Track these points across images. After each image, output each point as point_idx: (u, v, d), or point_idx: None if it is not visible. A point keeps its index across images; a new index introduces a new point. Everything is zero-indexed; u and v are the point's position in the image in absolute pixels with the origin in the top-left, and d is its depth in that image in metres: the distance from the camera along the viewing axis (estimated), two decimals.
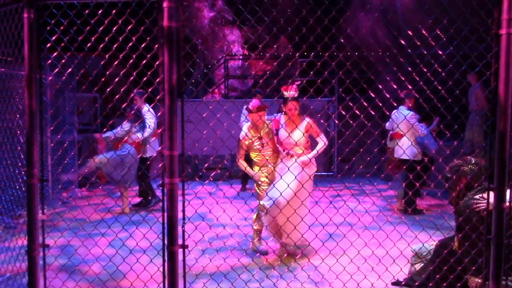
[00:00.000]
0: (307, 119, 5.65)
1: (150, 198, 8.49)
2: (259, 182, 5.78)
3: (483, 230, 2.99)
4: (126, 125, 7.87)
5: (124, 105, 8.00)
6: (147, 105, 8.36)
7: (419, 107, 8.14)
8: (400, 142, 7.61)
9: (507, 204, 2.72)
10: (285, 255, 5.49)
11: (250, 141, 5.80)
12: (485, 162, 3.74)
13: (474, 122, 10.49)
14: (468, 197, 3.76)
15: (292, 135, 5.66)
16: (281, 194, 4.63)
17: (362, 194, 8.19)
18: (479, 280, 3.48)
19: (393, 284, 4.50)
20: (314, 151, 5.65)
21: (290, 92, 5.68)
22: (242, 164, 5.86)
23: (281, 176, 5.24)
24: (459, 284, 3.48)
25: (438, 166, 7.60)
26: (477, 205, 3.53)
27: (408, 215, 7.52)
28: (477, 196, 3.61)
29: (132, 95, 8.06)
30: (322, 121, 12.66)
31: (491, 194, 2.77)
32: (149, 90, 3.22)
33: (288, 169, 4.92)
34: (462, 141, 10.42)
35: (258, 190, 5.81)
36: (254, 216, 5.97)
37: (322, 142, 5.67)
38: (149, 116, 8.16)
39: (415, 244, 4.47)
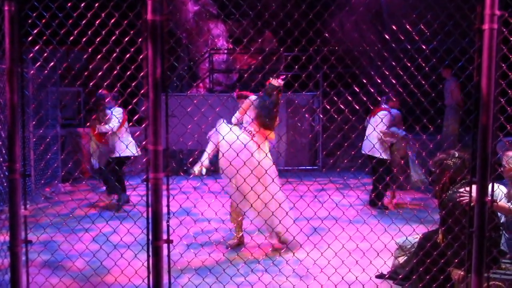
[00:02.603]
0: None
1: (117, 200, 8.10)
2: None
3: (465, 223, 3.02)
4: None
5: (107, 99, 7.97)
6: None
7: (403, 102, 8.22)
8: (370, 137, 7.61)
9: (489, 197, 2.76)
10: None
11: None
12: (468, 155, 3.79)
13: (448, 116, 10.69)
14: (451, 190, 3.80)
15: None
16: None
17: (347, 188, 8.23)
18: (462, 273, 3.53)
19: (377, 277, 4.53)
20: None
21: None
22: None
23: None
24: (442, 277, 3.52)
25: (422, 160, 7.67)
26: (461, 198, 3.58)
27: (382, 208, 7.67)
28: (461, 190, 3.65)
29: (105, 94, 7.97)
30: (307, 115, 12.71)
31: (474, 187, 2.80)
32: (133, 84, 3.18)
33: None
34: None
35: None
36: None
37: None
38: (118, 111, 8.05)
39: (399, 238, 4.51)
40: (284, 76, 14.61)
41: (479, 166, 2.76)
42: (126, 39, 3.10)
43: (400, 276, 4.29)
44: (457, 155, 3.93)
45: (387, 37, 3.45)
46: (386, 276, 4.59)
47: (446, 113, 10.81)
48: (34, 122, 8.60)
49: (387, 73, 3.58)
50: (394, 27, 3.46)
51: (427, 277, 3.57)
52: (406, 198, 8.51)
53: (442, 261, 3.54)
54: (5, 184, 6.59)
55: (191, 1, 15.45)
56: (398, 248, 4.65)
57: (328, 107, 3.97)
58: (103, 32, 3.02)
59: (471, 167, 2.83)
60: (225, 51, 15.81)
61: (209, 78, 15.05)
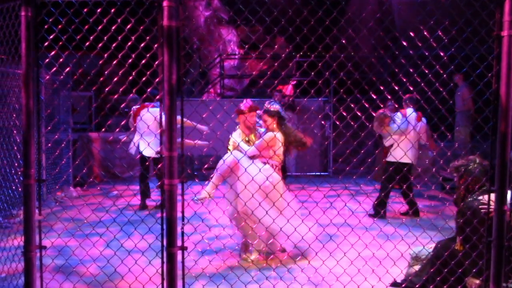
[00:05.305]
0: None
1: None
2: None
3: (484, 232, 2.97)
4: None
5: (123, 105, 8.02)
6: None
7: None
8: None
9: (508, 206, 2.71)
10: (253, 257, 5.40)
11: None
12: (488, 162, 3.72)
13: (460, 123, 10.60)
14: (471, 197, 3.73)
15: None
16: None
17: (359, 194, 8.17)
18: (478, 282, 3.46)
19: (392, 285, 4.48)
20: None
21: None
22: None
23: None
24: (459, 287, 3.46)
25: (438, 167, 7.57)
26: (482, 207, 3.50)
27: (407, 216, 7.46)
28: (480, 198, 3.58)
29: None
30: (323, 122, 12.67)
31: (492, 196, 2.76)
32: (148, 90, 3.19)
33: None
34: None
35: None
36: None
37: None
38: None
39: (415, 247, 4.45)
40: (296, 82, 14.61)
41: (498, 174, 2.72)
42: (142, 44, 3.10)
43: (417, 286, 4.23)
44: (477, 160, 3.84)
45: (404, 43, 3.41)
46: (402, 285, 4.53)
47: (457, 120, 10.72)
48: (49, 128, 8.65)
49: (404, 80, 3.53)
50: (411, 33, 3.43)
51: (444, 286, 3.51)
52: (421, 205, 8.41)
53: (460, 270, 3.48)
54: (19, 189, 6.63)
55: (202, 7, 15.50)
56: (413, 257, 4.59)
57: (344, 113, 3.93)
58: (119, 38, 3.02)
59: (490, 175, 2.78)
60: (237, 57, 15.83)
61: (220, 83, 15.07)
